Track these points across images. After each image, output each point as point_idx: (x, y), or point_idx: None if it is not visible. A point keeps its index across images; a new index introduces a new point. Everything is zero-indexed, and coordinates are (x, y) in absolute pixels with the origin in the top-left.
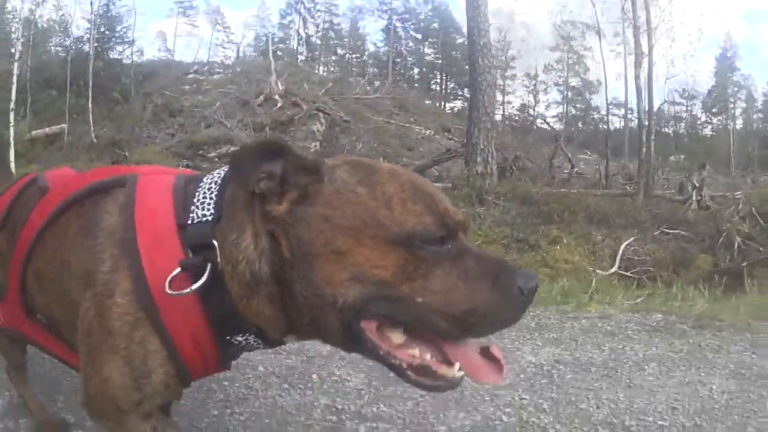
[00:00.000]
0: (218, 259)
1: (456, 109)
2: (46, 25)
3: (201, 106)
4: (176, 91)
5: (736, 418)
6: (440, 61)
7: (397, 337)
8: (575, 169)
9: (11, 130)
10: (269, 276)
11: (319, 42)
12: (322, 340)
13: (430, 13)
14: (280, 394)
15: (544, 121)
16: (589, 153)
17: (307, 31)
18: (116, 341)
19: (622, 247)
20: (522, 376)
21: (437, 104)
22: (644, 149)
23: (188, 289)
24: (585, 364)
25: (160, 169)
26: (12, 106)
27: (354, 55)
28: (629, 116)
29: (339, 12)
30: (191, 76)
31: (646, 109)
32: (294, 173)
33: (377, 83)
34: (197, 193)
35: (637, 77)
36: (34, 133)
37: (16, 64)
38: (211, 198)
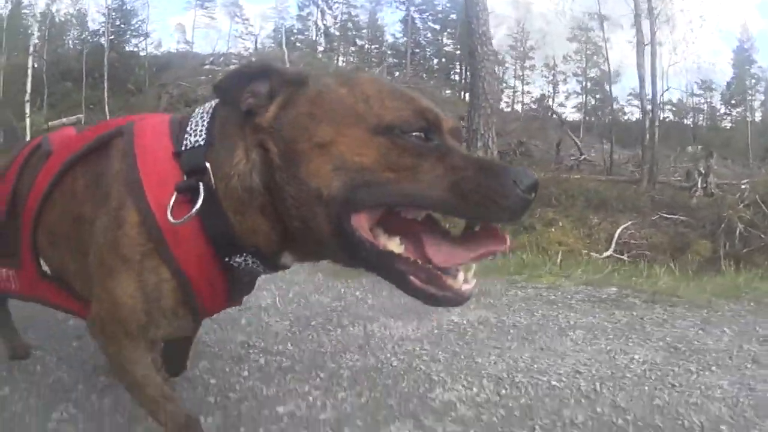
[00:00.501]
0: (211, 180)
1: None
2: (63, 19)
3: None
4: (192, 81)
5: (646, 388)
6: (459, 52)
7: (395, 245)
8: (583, 156)
9: (27, 120)
10: (260, 186)
11: (337, 33)
12: (320, 254)
13: (448, 4)
14: (207, 333)
15: (550, 109)
16: (605, 142)
17: (325, 22)
18: (129, 267)
19: (619, 230)
20: (435, 332)
21: (457, 94)
22: (647, 136)
23: (187, 215)
24: (507, 327)
25: (155, 114)
26: (27, 97)
27: (373, 46)
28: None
29: (357, 3)
30: (207, 66)
31: (649, 96)
32: (280, 86)
33: (397, 74)
34: (190, 123)
35: (639, 65)
36: (50, 123)
37: (30, 58)
38: (202, 125)
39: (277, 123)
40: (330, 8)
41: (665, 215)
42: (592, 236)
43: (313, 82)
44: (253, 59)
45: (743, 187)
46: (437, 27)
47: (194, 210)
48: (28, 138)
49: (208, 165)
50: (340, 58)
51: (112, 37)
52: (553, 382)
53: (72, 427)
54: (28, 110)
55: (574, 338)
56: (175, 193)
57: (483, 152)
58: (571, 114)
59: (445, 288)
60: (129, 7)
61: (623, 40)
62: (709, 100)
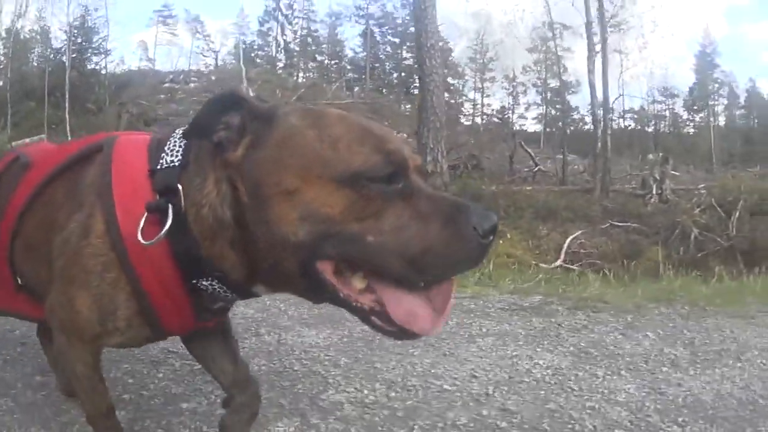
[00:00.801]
0: (182, 202)
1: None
2: (28, 36)
3: (175, 115)
4: (152, 100)
5: (542, 392)
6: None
7: (358, 282)
8: (537, 168)
9: None
10: (231, 220)
11: (297, 48)
12: (287, 289)
13: (407, 18)
14: None
15: (500, 119)
16: (566, 153)
17: (285, 37)
18: (89, 278)
19: (568, 240)
20: (345, 339)
21: (416, 108)
22: (599, 144)
23: (156, 238)
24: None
25: (139, 133)
26: None
27: (333, 61)
28: (611, 115)
29: (317, 18)
30: (167, 85)
31: (600, 103)
32: (251, 121)
33: (357, 88)
34: (169, 143)
35: (590, 71)
36: (14, 144)
37: None
38: (180, 146)
39: (246, 162)
40: (290, 23)
41: (616, 223)
42: (540, 247)
43: (282, 121)
44: (213, 77)
45: (699, 192)
46: (397, 41)
47: (162, 233)
48: None
49: (180, 187)
50: (300, 74)
51: (74, 55)
52: (446, 386)
53: (9, 416)
54: None
55: (482, 345)
56: (146, 213)
57: (432, 166)
58: (531, 125)
59: (395, 325)
60: (90, 25)
61: (583, 49)
62: (671, 106)
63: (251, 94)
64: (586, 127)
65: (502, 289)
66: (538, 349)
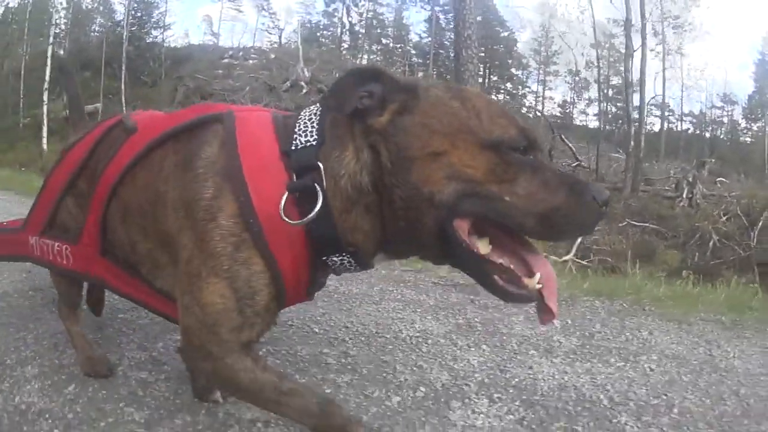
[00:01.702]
0: (323, 180)
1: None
2: (89, 7)
3: (231, 90)
4: (209, 75)
5: (390, 347)
6: (482, 54)
7: (483, 246)
8: (576, 163)
9: (44, 108)
10: (369, 185)
11: (362, 31)
12: (412, 252)
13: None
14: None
15: (541, 114)
16: (620, 151)
17: (350, 19)
18: (218, 262)
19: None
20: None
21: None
22: (632, 143)
23: (308, 217)
24: (337, 293)
25: (254, 108)
26: (46, 86)
27: (398, 45)
28: (670, 117)
29: (383, 2)
30: (226, 60)
31: (636, 104)
32: (392, 92)
33: (420, 74)
34: (298, 124)
35: (627, 70)
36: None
37: (51, 46)
38: (312, 126)
39: (391, 128)
40: (356, 5)
41: (634, 222)
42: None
43: (426, 92)
44: (272, 56)
45: (730, 199)
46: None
47: (315, 212)
48: (45, 128)
49: (320, 165)
50: (364, 56)
51: (134, 28)
52: (315, 329)
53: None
54: (46, 98)
55: (381, 307)
56: (287, 193)
57: None
58: (592, 121)
59: (522, 287)
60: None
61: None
62: (730, 113)
63: (307, 74)
64: (647, 127)
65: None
66: (428, 317)
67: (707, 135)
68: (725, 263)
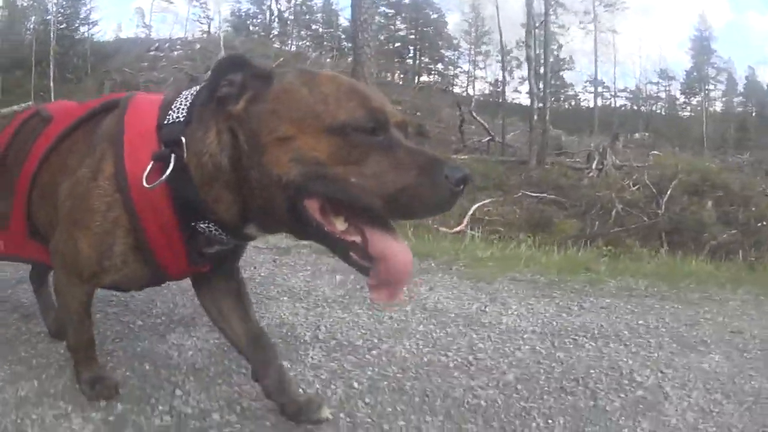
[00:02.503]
0: (184, 153)
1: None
2: (25, 4)
3: (156, 82)
4: (135, 68)
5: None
6: (413, 36)
7: (339, 223)
8: (488, 138)
9: None
10: (228, 165)
11: (291, 17)
12: (277, 228)
13: None
14: None
15: (450, 91)
16: (551, 128)
17: (279, 6)
18: (93, 217)
19: (474, 207)
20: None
21: (410, 78)
22: (535, 117)
23: (158, 181)
24: None
25: (156, 94)
26: None
27: (328, 30)
28: (605, 94)
29: None
30: (152, 53)
31: (539, 79)
32: (251, 80)
33: (350, 59)
34: (177, 101)
35: (528, 46)
36: (3, 110)
37: None
38: (185, 105)
39: (246, 114)
40: None
41: (529, 193)
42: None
43: (278, 80)
44: (197, 46)
45: (642, 169)
46: (391, 12)
47: (163, 177)
48: None
49: (183, 139)
50: (294, 42)
51: (62, 26)
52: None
53: None
54: None
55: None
56: (152, 161)
57: None
58: (525, 99)
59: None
60: None
61: (577, 26)
62: (667, 89)
63: None
64: (583, 104)
65: None
66: (279, 273)
67: (645, 110)
68: (627, 231)
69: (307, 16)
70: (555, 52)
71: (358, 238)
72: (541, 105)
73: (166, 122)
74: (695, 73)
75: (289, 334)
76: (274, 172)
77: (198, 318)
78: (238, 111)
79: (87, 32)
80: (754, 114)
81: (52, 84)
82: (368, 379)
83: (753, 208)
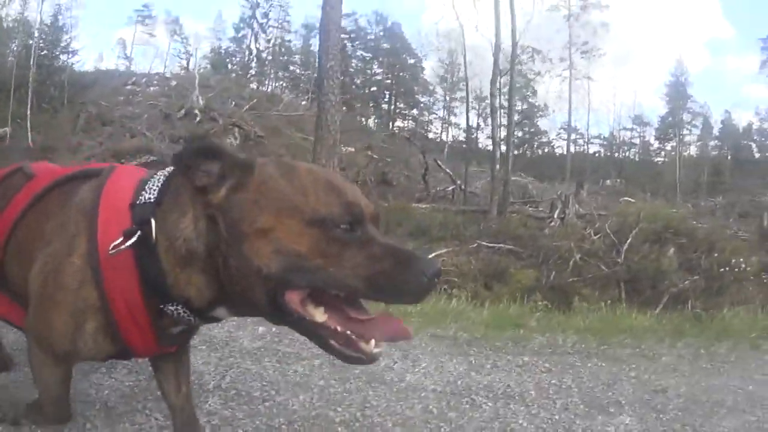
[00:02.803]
0: (152, 233)
1: (399, 127)
2: (11, 26)
3: (130, 117)
4: (111, 101)
5: None
6: (389, 81)
7: (319, 314)
8: (454, 187)
9: None
10: (204, 252)
11: (269, 57)
12: (252, 313)
13: (381, 33)
14: None
15: (413, 138)
16: (522, 175)
17: (258, 46)
18: (65, 296)
19: (429, 257)
20: None
21: (388, 123)
22: (497, 167)
23: (119, 249)
24: None
25: (138, 168)
26: None
27: (306, 72)
28: (579, 141)
29: (292, 29)
30: (129, 87)
31: (501, 126)
32: (230, 169)
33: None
34: (150, 181)
35: (492, 95)
36: None
37: None
38: (157, 185)
39: (227, 203)
40: (264, 32)
41: (485, 243)
42: None
43: (260, 169)
44: (173, 83)
45: (605, 217)
46: (369, 56)
47: (126, 244)
48: None
49: (152, 220)
50: (272, 83)
51: (44, 52)
52: None
53: None
54: None
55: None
56: (121, 237)
57: None
58: (499, 146)
59: (359, 351)
60: (61, 24)
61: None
62: (642, 134)
63: (201, 102)
64: (557, 150)
65: None
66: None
67: (619, 156)
68: (584, 281)
69: (285, 57)
70: (530, 99)
71: (338, 327)
72: (503, 152)
73: (138, 201)
74: (670, 118)
75: (195, 381)
76: (254, 262)
77: (119, 363)
78: (219, 199)
79: (66, 61)
80: (729, 158)
81: (29, 112)
82: (254, 429)
83: (715, 254)
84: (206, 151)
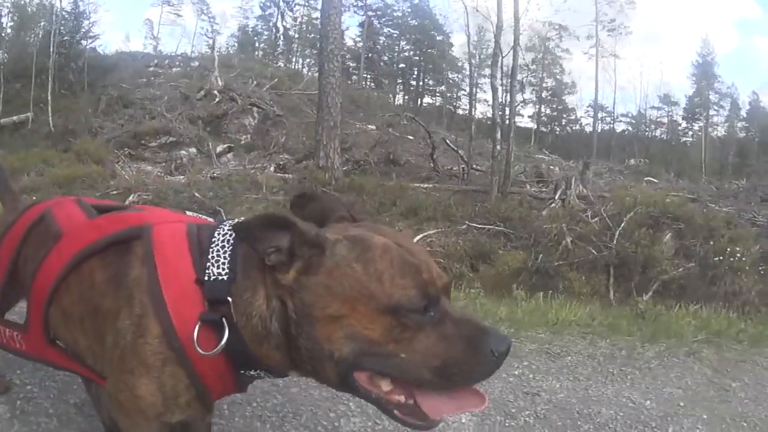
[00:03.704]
0: (233, 315)
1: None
2: (35, 10)
3: (151, 99)
4: (132, 84)
5: None
6: (417, 57)
7: (385, 384)
8: (463, 166)
9: None
10: (278, 330)
11: (296, 36)
12: (323, 383)
13: (409, 10)
14: None
15: (414, 118)
16: (547, 153)
17: (285, 24)
18: (150, 371)
19: (418, 237)
20: None
21: (416, 100)
22: (498, 147)
23: (215, 350)
24: None
25: (169, 217)
26: None
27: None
28: (606, 119)
29: (318, 6)
30: (151, 69)
31: (502, 104)
32: (300, 246)
33: (354, 77)
34: (211, 250)
35: (493, 76)
36: (3, 120)
37: None
38: (224, 257)
39: (296, 285)
40: (291, 10)
41: (473, 225)
42: None
43: (329, 249)
44: (195, 63)
45: (604, 200)
46: (396, 33)
47: (219, 348)
48: None
49: (230, 300)
50: (300, 60)
51: (65, 38)
52: None
53: None
54: None
55: None
56: (200, 323)
57: (325, 162)
58: (527, 123)
59: (422, 418)
60: (81, 10)
61: (580, 51)
62: (669, 113)
63: (221, 83)
64: (587, 128)
65: None
66: None
67: (647, 135)
68: (570, 265)
69: (312, 35)
70: (558, 76)
71: (402, 398)
72: (501, 134)
73: (207, 278)
74: (697, 99)
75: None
76: (325, 347)
77: None
78: (289, 281)
79: (87, 46)
80: (756, 139)
81: (50, 97)
82: None
83: (711, 242)
84: (275, 224)
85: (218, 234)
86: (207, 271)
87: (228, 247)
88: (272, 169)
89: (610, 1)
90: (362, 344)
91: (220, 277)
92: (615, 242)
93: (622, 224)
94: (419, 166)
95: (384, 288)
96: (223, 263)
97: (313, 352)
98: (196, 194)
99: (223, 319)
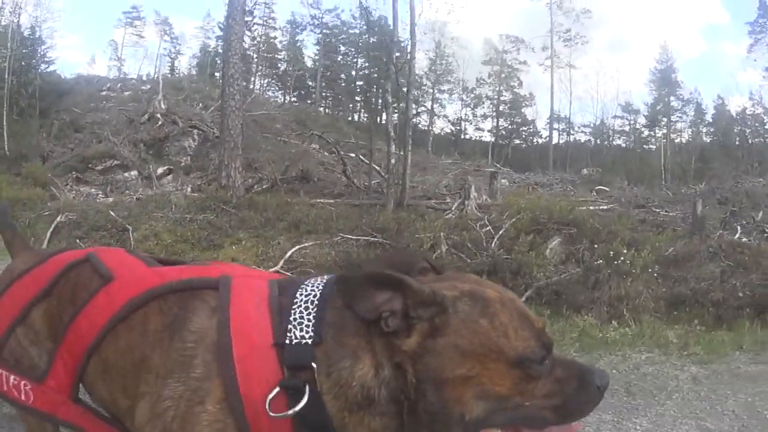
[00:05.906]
0: (316, 381)
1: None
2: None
3: (100, 123)
4: (84, 108)
5: None
6: (376, 75)
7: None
8: (377, 181)
9: None
10: (386, 399)
11: (255, 56)
12: None
13: (364, 27)
14: None
15: (311, 131)
16: (498, 167)
17: (243, 44)
18: None
19: (293, 249)
20: None
21: (376, 118)
22: (392, 161)
23: (290, 412)
24: None
25: (251, 273)
26: None
27: (292, 69)
28: (568, 130)
29: (277, 26)
30: (104, 93)
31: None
32: (416, 308)
33: (314, 95)
34: (293, 311)
35: (386, 91)
36: None
37: None
38: (309, 319)
39: (421, 349)
40: (249, 30)
41: (345, 236)
42: (267, 253)
43: (452, 307)
44: (147, 86)
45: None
46: (352, 50)
47: (296, 408)
48: None
49: (314, 365)
50: (257, 80)
51: (23, 62)
52: None
53: None
54: None
55: None
56: (278, 388)
57: (226, 181)
58: (486, 137)
59: None
60: (38, 36)
61: (536, 63)
62: (632, 122)
63: (164, 106)
64: (542, 140)
65: None
66: None
67: (608, 145)
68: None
69: (269, 54)
70: (516, 89)
71: None
72: (395, 146)
73: (288, 341)
74: (659, 106)
75: None
76: (455, 409)
77: None
78: (411, 346)
79: (42, 72)
80: (719, 143)
81: (5, 123)
82: None
83: (595, 246)
84: (382, 282)
85: (301, 294)
86: (288, 334)
87: (312, 309)
88: (189, 189)
89: (566, 11)
90: (493, 401)
91: (303, 341)
92: (491, 249)
93: (501, 231)
94: (332, 182)
95: (510, 342)
96: (307, 326)
97: (438, 415)
98: (112, 213)
99: (305, 385)
